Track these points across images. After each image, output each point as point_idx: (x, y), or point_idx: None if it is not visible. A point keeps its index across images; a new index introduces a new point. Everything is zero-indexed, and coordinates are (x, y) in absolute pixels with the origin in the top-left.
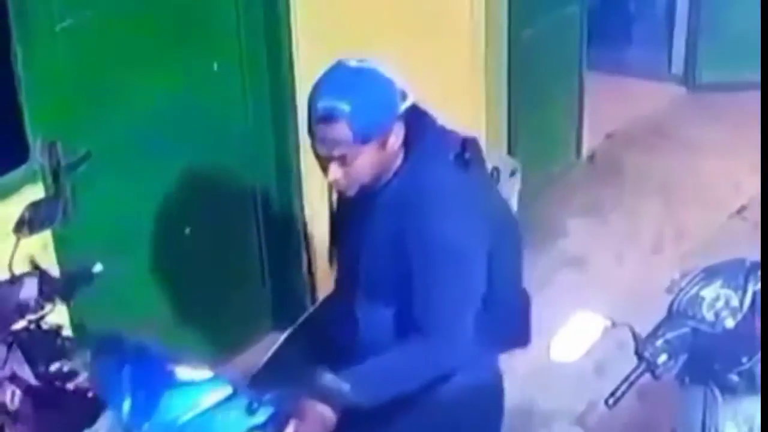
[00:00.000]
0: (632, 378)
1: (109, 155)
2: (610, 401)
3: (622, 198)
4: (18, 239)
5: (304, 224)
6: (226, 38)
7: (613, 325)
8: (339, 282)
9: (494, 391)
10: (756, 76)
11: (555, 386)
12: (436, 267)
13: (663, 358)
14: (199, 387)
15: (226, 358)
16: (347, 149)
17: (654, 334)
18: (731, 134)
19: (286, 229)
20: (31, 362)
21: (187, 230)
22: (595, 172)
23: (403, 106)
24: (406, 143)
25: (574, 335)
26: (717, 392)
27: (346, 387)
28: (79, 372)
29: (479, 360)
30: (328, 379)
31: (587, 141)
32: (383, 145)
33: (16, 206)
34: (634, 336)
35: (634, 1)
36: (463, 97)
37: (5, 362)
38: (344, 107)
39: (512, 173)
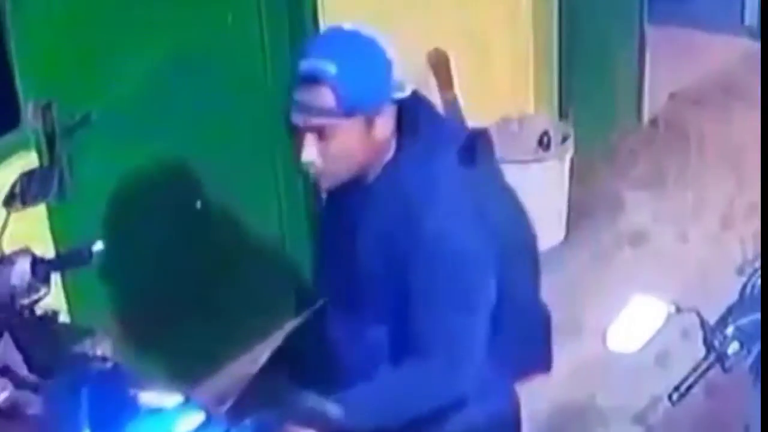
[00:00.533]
0: (699, 370)
1: (110, 119)
2: (675, 397)
3: (688, 167)
4: (9, 214)
5: None
6: None
7: (678, 310)
8: (329, 295)
9: (510, 423)
10: None
11: (613, 380)
12: (434, 278)
13: (734, 347)
14: (169, 415)
15: (241, 349)
16: (328, 119)
17: (724, 321)
18: None
19: (309, 200)
20: (25, 352)
21: (198, 204)
22: (658, 137)
23: (401, 93)
24: (401, 135)
25: (633, 322)
26: None
27: (335, 411)
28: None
29: (492, 388)
30: (315, 401)
31: (649, 103)
32: (370, 125)
33: (6, 177)
34: (702, 323)
35: None
36: (508, 54)
37: None
38: (330, 68)
39: (564, 139)
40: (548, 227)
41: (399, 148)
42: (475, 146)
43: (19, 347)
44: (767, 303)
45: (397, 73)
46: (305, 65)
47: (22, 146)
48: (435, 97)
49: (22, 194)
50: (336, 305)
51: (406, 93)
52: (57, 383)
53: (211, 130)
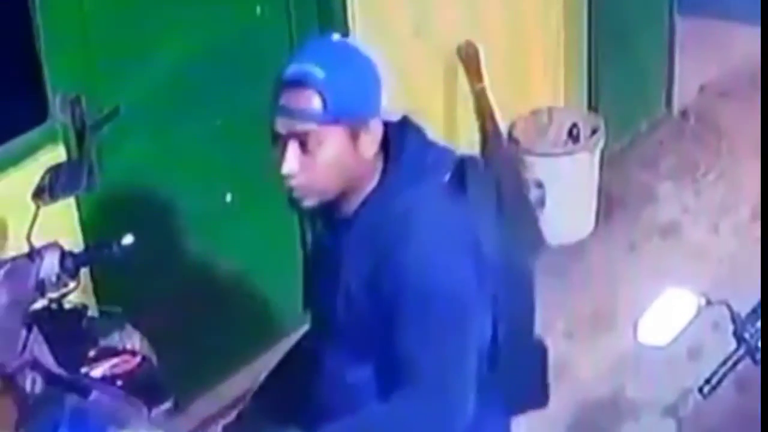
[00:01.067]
0: (730, 363)
1: (139, 112)
2: (705, 390)
3: (719, 159)
4: (37, 207)
5: None
6: None
7: (709, 302)
8: (315, 329)
9: None
10: None
11: (643, 373)
12: (423, 315)
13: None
14: None
15: (270, 344)
16: (313, 125)
17: (755, 313)
18: None
19: None
20: (53, 346)
21: (228, 197)
22: (688, 129)
23: (389, 117)
24: (386, 162)
25: (664, 315)
26: None
27: None
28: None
29: (485, 424)
30: None
31: (679, 95)
32: (355, 138)
33: (34, 170)
34: (732, 315)
35: None
36: (538, 47)
37: (25, 346)
38: (318, 73)
39: (593, 132)
40: (578, 219)
41: (383, 175)
42: (466, 173)
43: (48, 341)
44: (767, 302)
45: (387, 95)
46: (292, 69)
47: (50, 140)
48: (465, 89)
49: (51, 188)
50: (322, 340)
51: (396, 118)
52: (34, 424)
53: (239, 123)
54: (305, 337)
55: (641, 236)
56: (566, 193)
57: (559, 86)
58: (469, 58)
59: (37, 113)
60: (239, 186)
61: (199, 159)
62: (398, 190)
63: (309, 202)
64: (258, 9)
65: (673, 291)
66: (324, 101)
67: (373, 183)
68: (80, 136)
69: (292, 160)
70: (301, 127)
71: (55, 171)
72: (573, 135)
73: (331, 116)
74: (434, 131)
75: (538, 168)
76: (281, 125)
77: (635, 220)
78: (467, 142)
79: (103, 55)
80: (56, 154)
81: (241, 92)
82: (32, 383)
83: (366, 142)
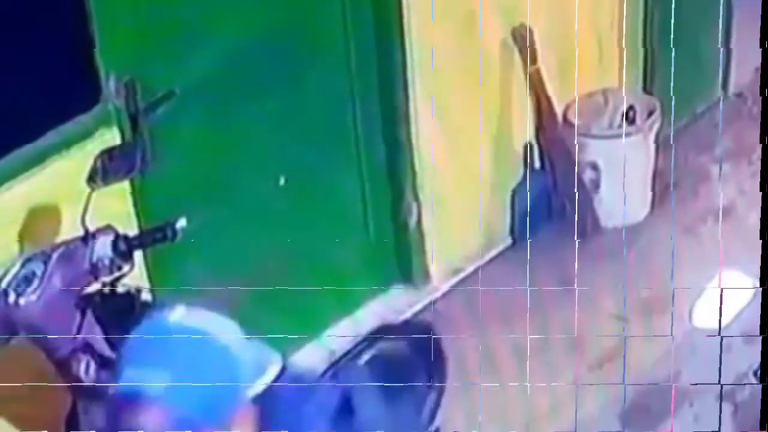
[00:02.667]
0: None
1: (193, 95)
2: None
3: None
4: (91, 191)
5: (413, 169)
6: None
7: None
8: None
9: None
10: None
11: (698, 357)
12: None
13: None
14: None
15: (324, 325)
16: None
17: None
18: None
19: (394, 176)
20: (106, 330)
21: (282, 180)
22: (745, 111)
23: (263, 380)
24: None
25: (719, 299)
26: None
27: None
28: None
29: None
30: None
31: (735, 76)
32: None
33: (87, 154)
34: None
35: None
36: (594, 27)
37: (78, 330)
38: (159, 380)
39: (649, 113)
40: (633, 202)
41: None
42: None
43: (101, 325)
44: (767, 303)
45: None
46: (124, 379)
47: (103, 123)
48: (519, 71)
49: (104, 171)
50: None
51: (268, 376)
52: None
53: (292, 105)
54: None
55: (697, 219)
56: (621, 176)
57: (615, 68)
58: (524, 40)
59: (91, 96)
60: (292, 169)
61: (253, 142)
62: None
63: None
64: None
65: (729, 274)
66: (173, 416)
67: None
68: (134, 119)
69: None
70: None
71: (108, 154)
72: (629, 117)
73: None
74: (489, 114)
75: (593, 150)
76: None
77: (691, 202)
78: (522, 124)
79: (157, 37)
80: (110, 137)
81: (295, 74)
82: (86, 367)
83: None
